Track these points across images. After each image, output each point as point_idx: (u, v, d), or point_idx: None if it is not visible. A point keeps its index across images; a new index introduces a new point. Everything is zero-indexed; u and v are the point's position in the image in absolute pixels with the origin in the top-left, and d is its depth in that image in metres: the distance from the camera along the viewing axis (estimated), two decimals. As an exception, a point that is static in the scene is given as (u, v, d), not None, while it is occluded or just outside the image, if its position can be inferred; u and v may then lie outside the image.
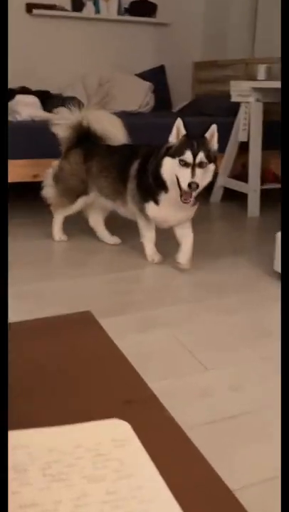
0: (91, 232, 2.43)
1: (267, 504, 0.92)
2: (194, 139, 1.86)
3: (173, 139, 1.91)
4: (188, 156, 1.84)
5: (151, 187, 1.98)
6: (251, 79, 3.21)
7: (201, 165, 1.84)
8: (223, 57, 3.91)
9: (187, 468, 0.43)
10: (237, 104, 3.04)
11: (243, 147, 3.02)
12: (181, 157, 1.85)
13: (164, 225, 2.07)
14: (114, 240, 2.39)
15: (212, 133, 1.90)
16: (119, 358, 0.65)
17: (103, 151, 2.21)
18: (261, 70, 3.10)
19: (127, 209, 2.15)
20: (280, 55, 2.78)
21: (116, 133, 2.22)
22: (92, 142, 2.23)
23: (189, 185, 1.81)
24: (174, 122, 2.00)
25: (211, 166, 1.89)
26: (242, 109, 3.01)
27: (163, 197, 1.97)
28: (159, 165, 1.92)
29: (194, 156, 1.83)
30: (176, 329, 1.61)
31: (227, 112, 3.24)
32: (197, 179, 1.82)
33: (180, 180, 1.85)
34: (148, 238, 2.15)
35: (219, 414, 1.19)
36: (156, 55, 4.07)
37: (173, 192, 1.92)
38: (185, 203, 1.86)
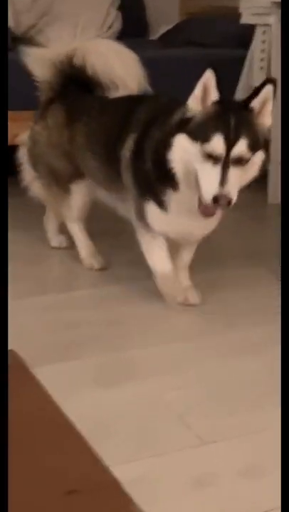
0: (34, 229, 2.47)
1: None
2: (232, 112, 1.75)
3: (195, 103, 1.78)
4: (218, 144, 1.71)
5: (151, 178, 1.92)
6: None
7: (239, 162, 1.73)
8: None
9: None
10: (250, 29, 3.09)
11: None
12: (207, 145, 1.71)
13: (175, 240, 2.03)
14: (58, 240, 2.44)
15: (265, 99, 1.79)
16: (62, 425, 0.66)
17: (95, 107, 2.21)
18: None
19: (128, 207, 2.11)
20: None
21: (126, 78, 2.22)
22: (83, 92, 2.25)
23: (215, 199, 1.69)
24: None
25: (258, 157, 1.80)
26: (258, 36, 3.05)
27: (170, 197, 1.89)
28: (166, 145, 1.82)
29: (229, 145, 1.71)
30: (158, 381, 1.62)
31: (234, 42, 3.30)
32: (230, 188, 1.70)
33: (201, 183, 1.73)
34: (159, 264, 2.04)
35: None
36: None
37: (186, 193, 1.84)
38: (204, 216, 1.81)
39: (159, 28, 4.06)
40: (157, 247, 2.02)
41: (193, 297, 2.04)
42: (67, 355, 1.72)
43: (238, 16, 3.09)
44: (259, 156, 1.80)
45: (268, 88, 1.79)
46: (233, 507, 1.23)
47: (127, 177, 2.02)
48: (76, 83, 2.25)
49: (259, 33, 3.04)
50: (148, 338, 1.87)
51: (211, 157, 1.71)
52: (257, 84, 3.05)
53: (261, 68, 3.02)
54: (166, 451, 1.38)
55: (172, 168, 1.81)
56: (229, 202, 1.69)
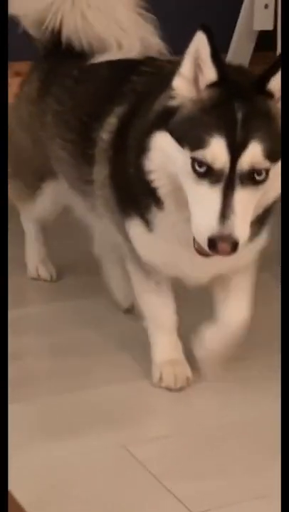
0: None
1: None
2: (239, 100, 1.50)
3: (184, 86, 1.55)
4: (217, 152, 1.46)
5: (134, 186, 1.70)
6: None
7: (251, 179, 1.48)
8: None
9: None
10: None
11: (264, 44, 2.98)
12: (200, 153, 1.47)
13: (183, 279, 1.80)
14: (126, 300, 2.12)
15: None
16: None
17: (73, 75, 2.02)
18: None
19: (102, 223, 1.93)
20: None
21: (119, 37, 1.98)
22: (68, 56, 2.05)
23: (212, 242, 1.44)
24: None
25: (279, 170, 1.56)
26: None
27: (157, 217, 1.67)
28: (141, 149, 1.59)
29: (235, 154, 1.46)
30: (125, 431, 1.55)
31: None
32: (235, 224, 1.44)
33: (192, 213, 1.50)
34: (154, 318, 1.83)
35: None
36: None
37: (175, 215, 1.62)
38: (202, 255, 1.54)
39: None
40: (155, 292, 1.80)
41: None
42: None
43: None
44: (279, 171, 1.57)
45: None
46: None
47: (102, 172, 1.80)
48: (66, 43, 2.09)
49: None
50: (109, 374, 1.78)
51: (208, 173, 1.45)
52: (260, 28, 2.94)
53: (266, 6, 2.89)
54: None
55: (152, 181, 1.58)
56: (234, 246, 1.42)
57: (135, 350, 1.88)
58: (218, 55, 1.50)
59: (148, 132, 1.56)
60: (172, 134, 1.51)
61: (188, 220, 1.52)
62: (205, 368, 1.78)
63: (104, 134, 1.79)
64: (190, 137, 1.47)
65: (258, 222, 1.63)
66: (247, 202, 1.46)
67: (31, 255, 2.32)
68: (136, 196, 1.68)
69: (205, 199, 1.45)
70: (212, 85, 1.50)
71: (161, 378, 1.76)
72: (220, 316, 1.77)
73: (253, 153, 1.45)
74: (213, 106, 1.50)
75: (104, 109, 1.81)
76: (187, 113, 1.52)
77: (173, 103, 1.54)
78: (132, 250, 1.77)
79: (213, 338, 1.76)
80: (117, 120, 1.76)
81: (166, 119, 1.54)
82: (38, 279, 2.28)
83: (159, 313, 1.82)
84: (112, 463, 1.46)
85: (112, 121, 1.77)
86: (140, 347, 1.88)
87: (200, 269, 1.71)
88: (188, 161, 1.46)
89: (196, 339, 1.77)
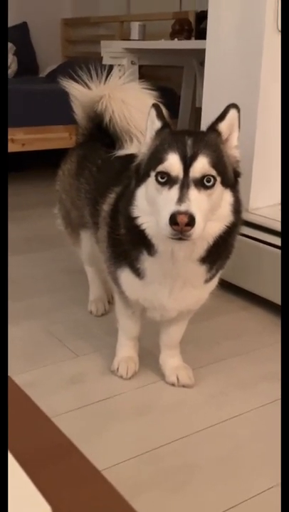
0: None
1: (135, 480, 1.49)
2: (188, 132, 1.63)
3: (145, 146, 1.71)
4: (172, 161, 1.56)
5: (123, 242, 1.82)
6: (126, 38, 4.58)
7: (201, 183, 1.56)
8: (95, 13, 5.51)
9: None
10: (110, 68, 3.55)
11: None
12: (159, 167, 1.58)
13: (157, 316, 1.95)
14: (98, 312, 2.60)
15: (231, 123, 1.68)
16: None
17: (96, 164, 2.24)
18: (134, 29, 4.43)
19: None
20: (157, 11, 3.71)
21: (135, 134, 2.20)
22: (100, 144, 2.28)
23: (173, 218, 1.49)
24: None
25: (227, 196, 1.64)
26: (116, 73, 3.54)
27: (146, 263, 1.78)
28: (129, 203, 1.71)
29: (187, 161, 1.55)
30: None
31: (101, 77, 3.91)
32: (190, 205, 1.50)
33: (159, 213, 1.57)
34: (124, 329, 2.14)
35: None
36: (17, 9, 5.39)
37: (164, 254, 1.70)
38: (182, 239, 1.53)
39: (47, 67, 5.51)
40: (127, 313, 2.06)
41: (186, 378, 2.08)
42: None
43: (101, 58, 4.35)
44: (229, 196, 1.65)
45: (233, 113, 1.66)
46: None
47: (102, 234, 2.00)
48: (100, 132, 2.30)
49: (116, 70, 4.23)
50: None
51: (167, 182, 1.55)
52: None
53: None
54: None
55: (141, 225, 1.69)
56: (191, 219, 1.47)
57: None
58: (162, 115, 1.66)
59: (132, 192, 1.67)
60: (144, 179, 1.63)
61: (170, 260, 1.68)
62: (184, 381, 2.02)
63: (106, 206, 1.94)
64: (153, 163, 1.59)
65: (215, 267, 1.76)
66: (200, 199, 1.52)
67: (91, 294, 2.61)
68: (127, 251, 1.78)
69: (166, 198, 1.52)
70: (160, 130, 1.65)
71: (117, 369, 2.12)
72: (164, 340, 2.06)
73: (202, 164, 1.54)
74: (168, 137, 1.61)
75: (109, 189, 1.95)
76: (150, 154, 1.64)
77: (138, 160, 1.69)
78: (121, 291, 1.94)
79: (169, 362, 2.07)
80: (115, 195, 1.90)
81: (139, 175, 1.66)
82: (91, 313, 2.54)
83: (129, 327, 2.09)
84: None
85: (111, 197, 1.92)
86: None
87: (175, 302, 1.82)
88: (154, 178, 1.57)
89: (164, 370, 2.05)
